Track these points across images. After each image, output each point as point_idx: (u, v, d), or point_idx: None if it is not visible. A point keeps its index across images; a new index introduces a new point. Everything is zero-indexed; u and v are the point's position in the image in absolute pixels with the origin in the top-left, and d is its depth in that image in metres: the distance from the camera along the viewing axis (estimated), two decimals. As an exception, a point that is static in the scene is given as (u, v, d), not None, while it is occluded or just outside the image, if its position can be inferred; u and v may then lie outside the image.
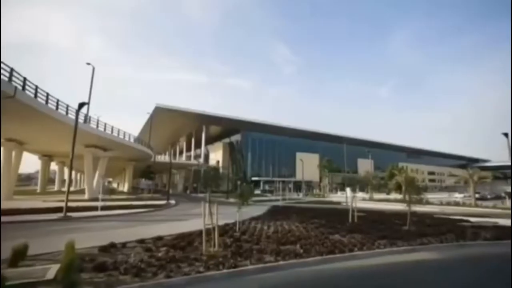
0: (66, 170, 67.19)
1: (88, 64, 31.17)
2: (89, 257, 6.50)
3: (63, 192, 47.53)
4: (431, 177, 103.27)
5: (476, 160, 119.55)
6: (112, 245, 7.64)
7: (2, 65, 16.23)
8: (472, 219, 15.80)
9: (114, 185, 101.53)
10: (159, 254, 6.89)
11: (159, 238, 8.96)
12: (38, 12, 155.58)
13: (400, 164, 67.96)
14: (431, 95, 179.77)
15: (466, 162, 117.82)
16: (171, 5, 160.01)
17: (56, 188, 57.08)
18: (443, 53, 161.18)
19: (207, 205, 7.95)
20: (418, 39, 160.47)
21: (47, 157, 44.89)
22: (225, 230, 10.61)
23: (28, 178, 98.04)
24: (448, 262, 7.26)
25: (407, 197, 12.23)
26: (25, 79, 19.25)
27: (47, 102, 22.16)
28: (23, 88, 19.18)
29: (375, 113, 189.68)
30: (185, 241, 8.42)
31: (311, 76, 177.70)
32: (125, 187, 58.29)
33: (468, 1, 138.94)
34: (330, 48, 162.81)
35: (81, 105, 16.98)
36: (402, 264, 6.83)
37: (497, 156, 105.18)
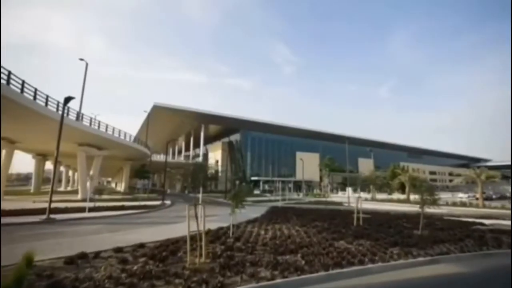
0: (62, 170, 66.55)
1: (81, 60, 30.08)
2: (49, 272, 5.41)
3: (58, 192, 46.57)
4: (433, 176, 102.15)
5: (478, 160, 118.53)
6: (82, 256, 6.55)
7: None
8: (486, 221, 14.73)
9: (113, 184, 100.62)
10: (134, 268, 5.81)
11: (141, 245, 7.88)
12: (38, 12, 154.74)
13: (401, 164, 66.87)
14: (431, 95, 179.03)
15: (467, 162, 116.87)
16: (171, 5, 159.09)
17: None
18: (443, 53, 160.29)
19: (198, 206, 6.87)
20: (418, 40, 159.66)
21: (41, 156, 43.80)
22: (217, 235, 9.53)
23: (27, 178, 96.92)
24: (476, 276, 6.15)
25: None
26: (9, 73, 18.21)
27: (35, 98, 21.09)
28: (8, 82, 18.16)
29: (375, 113, 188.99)
30: (169, 249, 7.33)
31: (311, 76, 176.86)
32: (122, 187, 57.27)
33: (468, 1, 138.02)
34: (330, 48, 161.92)
35: (67, 99, 15.86)
36: (423, 280, 5.72)
37: (497, 156, 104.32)
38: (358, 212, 13.04)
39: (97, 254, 6.84)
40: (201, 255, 6.42)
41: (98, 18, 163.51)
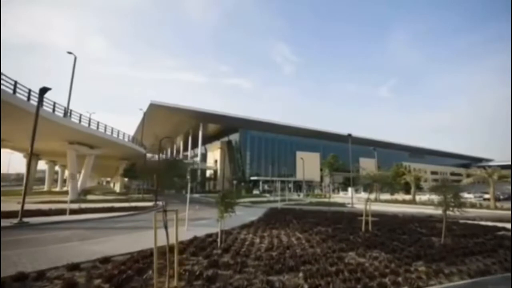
0: (57, 169, 65.10)
1: (70, 53, 28.60)
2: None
3: (52, 192, 45.07)
4: (434, 176, 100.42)
5: (479, 160, 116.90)
6: (19, 277, 5.05)
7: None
8: (508, 226, 13.19)
9: (111, 184, 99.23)
10: (80, 296, 4.33)
11: (105, 260, 6.37)
12: (38, 13, 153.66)
13: (403, 164, 65.25)
14: (431, 95, 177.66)
15: (468, 162, 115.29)
16: (171, 5, 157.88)
17: (46, 188, 54.72)
18: (443, 53, 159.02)
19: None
20: (418, 40, 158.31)
21: (33, 156, 42.31)
22: (203, 245, 8.01)
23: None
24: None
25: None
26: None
27: (14, 92, 19.65)
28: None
29: (375, 112, 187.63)
30: (137, 266, 5.83)
31: (311, 76, 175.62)
32: (117, 187, 55.87)
33: (468, 1, 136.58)
34: (330, 48, 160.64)
35: (43, 90, 14.36)
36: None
37: (497, 156, 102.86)
38: (367, 216, 11.54)
39: (41, 274, 5.33)
40: (172, 276, 4.92)
41: (98, 18, 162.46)
